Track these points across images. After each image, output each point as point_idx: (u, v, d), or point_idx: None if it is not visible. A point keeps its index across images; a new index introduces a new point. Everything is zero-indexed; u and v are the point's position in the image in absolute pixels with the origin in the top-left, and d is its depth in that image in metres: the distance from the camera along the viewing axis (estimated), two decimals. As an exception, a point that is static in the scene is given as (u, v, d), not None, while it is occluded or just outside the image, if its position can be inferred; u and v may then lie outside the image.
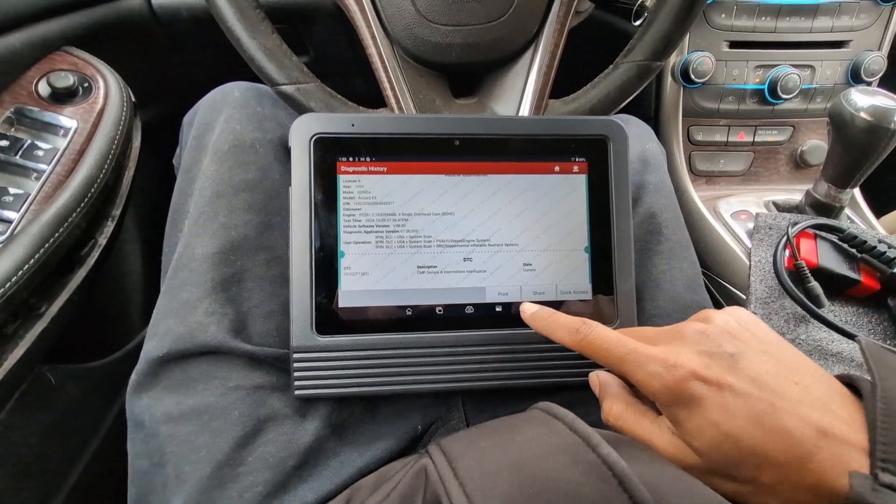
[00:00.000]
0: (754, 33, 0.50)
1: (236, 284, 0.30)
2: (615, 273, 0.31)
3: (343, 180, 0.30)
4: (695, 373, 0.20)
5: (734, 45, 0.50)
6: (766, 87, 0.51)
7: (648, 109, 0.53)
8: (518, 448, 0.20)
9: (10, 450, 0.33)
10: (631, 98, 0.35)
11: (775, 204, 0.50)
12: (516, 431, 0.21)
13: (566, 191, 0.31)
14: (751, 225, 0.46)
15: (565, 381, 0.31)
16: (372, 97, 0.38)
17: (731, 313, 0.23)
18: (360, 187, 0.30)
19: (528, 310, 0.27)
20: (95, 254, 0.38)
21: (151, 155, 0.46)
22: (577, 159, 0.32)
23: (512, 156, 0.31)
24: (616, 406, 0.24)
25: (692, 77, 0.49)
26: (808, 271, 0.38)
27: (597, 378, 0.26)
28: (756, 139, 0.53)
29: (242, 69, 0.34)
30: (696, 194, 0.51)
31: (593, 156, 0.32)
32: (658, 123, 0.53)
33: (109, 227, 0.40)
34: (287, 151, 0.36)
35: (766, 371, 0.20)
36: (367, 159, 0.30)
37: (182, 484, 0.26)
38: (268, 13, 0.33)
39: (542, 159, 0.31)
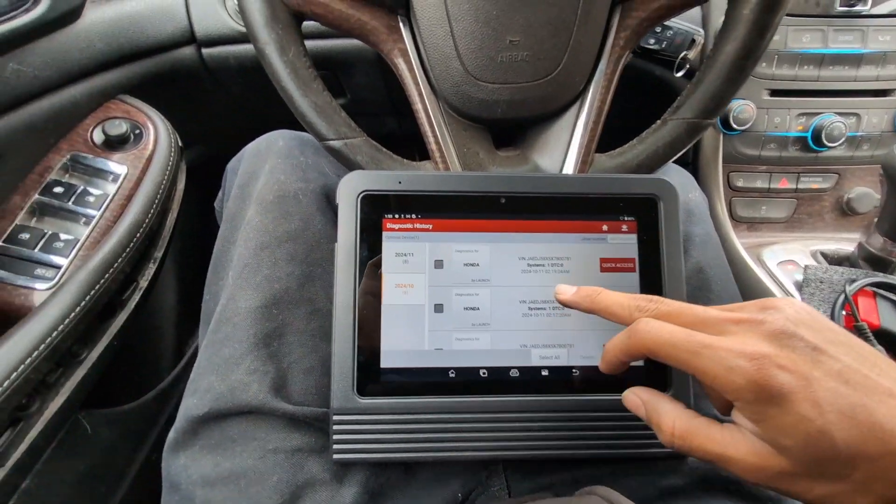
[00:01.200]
0: (796, 82, 0.49)
1: (277, 339, 0.30)
2: None
3: (388, 237, 0.30)
4: (780, 365, 0.18)
5: (775, 93, 0.49)
6: (809, 134, 0.49)
7: (687, 155, 0.53)
8: None
9: (41, 502, 0.33)
10: (679, 154, 0.34)
11: (824, 255, 0.47)
12: None
13: (615, 251, 0.31)
14: (798, 276, 0.44)
15: (614, 453, 0.29)
16: (404, 134, 0.38)
17: (793, 304, 0.21)
18: (405, 245, 0.30)
19: (566, 292, 0.26)
20: (136, 297, 0.39)
21: (192, 194, 0.47)
22: (626, 218, 0.31)
23: (559, 214, 0.31)
24: (679, 422, 0.21)
25: (732, 124, 0.49)
26: (870, 334, 0.36)
27: (636, 397, 0.23)
28: (799, 186, 0.51)
29: (281, 111, 0.35)
30: (738, 242, 0.50)
31: (643, 215, 0.31)
32: (697, 169, 0.52)
33: (151, 269, 0.41)
34: (328, 201, 0.36)
35: (849, 365, 0.19)
36: (413, 216, 0.30)
37: (216, 554, 0.25)
38: (313, 60, 0.33)
39: (590, 218, 0.31)
